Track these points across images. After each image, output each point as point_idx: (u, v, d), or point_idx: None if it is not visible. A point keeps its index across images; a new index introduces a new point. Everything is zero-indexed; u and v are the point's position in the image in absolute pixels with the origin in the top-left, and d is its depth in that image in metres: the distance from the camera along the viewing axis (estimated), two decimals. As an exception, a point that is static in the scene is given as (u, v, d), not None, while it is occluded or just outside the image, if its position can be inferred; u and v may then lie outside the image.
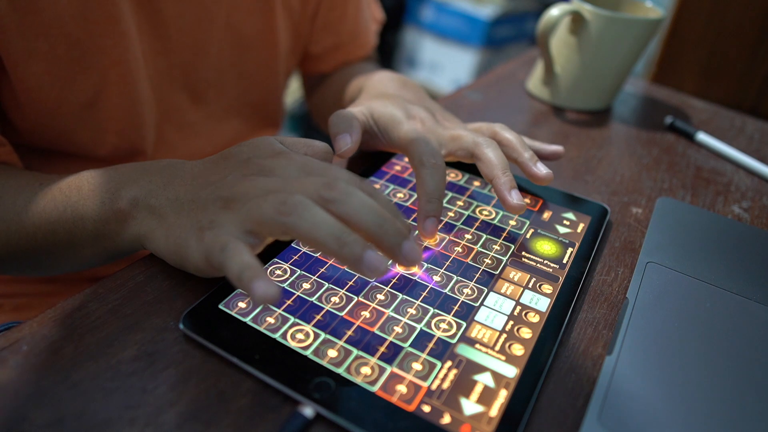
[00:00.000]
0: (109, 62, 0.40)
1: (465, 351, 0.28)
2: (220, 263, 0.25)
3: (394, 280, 0.32)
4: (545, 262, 0.35)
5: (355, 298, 0.30)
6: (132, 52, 0.41)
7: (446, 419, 0.25)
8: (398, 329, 0.29)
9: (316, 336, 0.28)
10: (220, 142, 0.54)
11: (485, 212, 0.39)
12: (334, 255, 0.25)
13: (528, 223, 0.39)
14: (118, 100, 0.42)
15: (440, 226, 0.37)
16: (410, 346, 0.28)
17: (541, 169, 0.37)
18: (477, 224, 0.38)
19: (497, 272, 0.34)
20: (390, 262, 0.31)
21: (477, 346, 0.29)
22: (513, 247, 0.36)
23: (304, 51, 0.60)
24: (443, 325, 0.30)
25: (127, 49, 0.41)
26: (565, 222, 0.39)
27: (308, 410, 0.24)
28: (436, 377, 0.27)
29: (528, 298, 0.32)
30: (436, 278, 0.33)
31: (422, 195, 0.34)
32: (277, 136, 0.34)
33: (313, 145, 0.34)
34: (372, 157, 0.45)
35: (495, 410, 0.25)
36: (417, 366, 0.27)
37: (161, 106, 0.47)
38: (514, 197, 0.35)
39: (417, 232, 0.35)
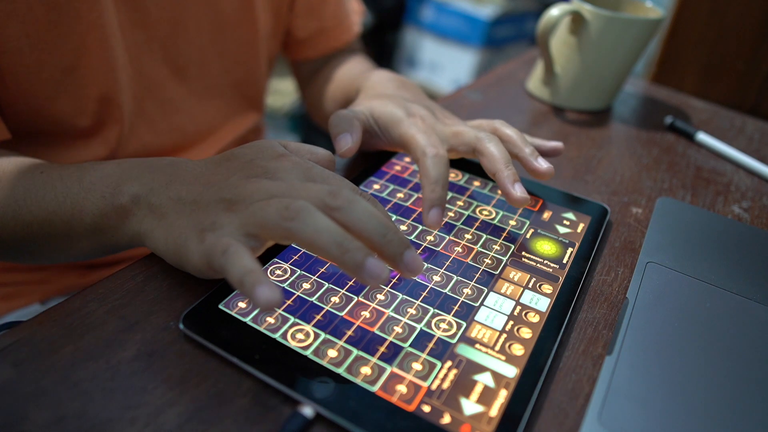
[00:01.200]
0: (87, 27, 0.40)
1: (465, 351, 0.28)
2: (221, 266, 0.25)
3: (394, 280, 0.32)
4: (545, 262, 0.35)
5: (355, 298, 0.30)
6: (107, 18, 0.41)
7: (446, 419, 0.25)
8: (398, 329, 0.29)
9: (316, 336, 0.28)
10: (201, 120, 0.55)
11: (485, 212, 0.39)
12: (335, 261, 0.25)
13: (528, 223, 0.39)
14: (97, 64, 0.42)
15: (445, 219, 0.37)
16: (410, 346, 0.28)
17: (542, 163, 0.37)
18: (477, 224, 0.38)
19: (497, 272, 0.34)
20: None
21: (477, 346, 0.29)
22: (513, 247, 0.36)
23: (287, 35, 0.61)
24: (443, 325, 0.29)
25: (102, 14, 0.41)
26: (565, 222, 0.39)
27: (308, 410, 0.24)
28: (436, 377, 0.27)
29: (528, 298, 0.32)
30: (436, 278, 0.33)
31: (426, 184, 0.35)
32: (281, 140, 0.34)
33: (317, 152, 0.34)
34: (372, 157, 0.45)
35: (495, 410, 0.25)
36: (417, 366, 0.27)
37: (141, 78, 0.47)
38: (518, 190, 0.35)
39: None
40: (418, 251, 0.35)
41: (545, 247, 0.36)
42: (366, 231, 0.26)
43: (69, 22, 0.39)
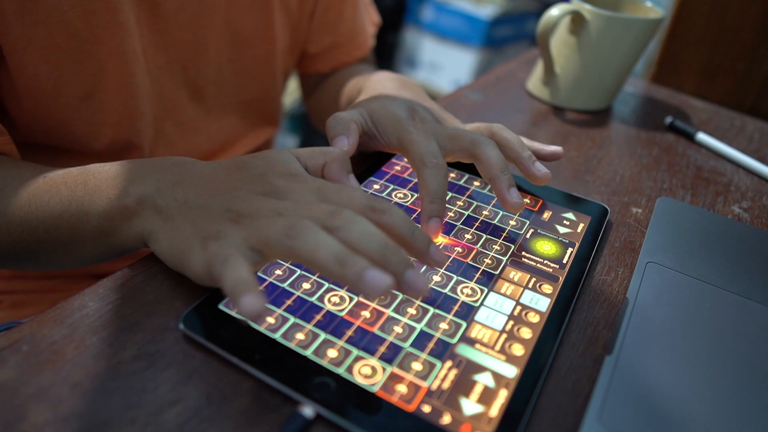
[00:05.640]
0: (107, 53, 0.40)
1: (465, 351, 0.28)
2: (219, 274, 0.25)
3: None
4: (545, 262, 0.35)
5: (355, 298, 0.30)
6: (130, 44, 0.41)
7: (446, 419, 0.25)
8: (398, 329, 0.29)
9: (316, 336, 0.28)
10: (218, 139, 0.55)
11: (485, 212, 0.39)
12: (335, 276, 0.24)
13: (528, 223, 0.38)
14: (115, 92, 0.42)
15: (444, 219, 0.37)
16: (410, 346, 0.28)
17: (540, 168, 0.37)
18: (477, 224, 0.38)
19: (497, 272, 0.34)
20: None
21: (477, 346, 0.29)
22: (513, 247, 0.36)
23: (302, 50, 0.61)
24: (443, 325, 0.29)
25: (125, 40, 0.41)
26: (565, 222, 0.39)
27: (308, 410, 0.24)
28: (436, 377, 0.27)
29: (528, 298, 0.32)
30: (436, 278, 0.33)
31: (425, 195, 0.34)
32: (292, 149, 0.33)
33: (331, 153, 0.33)
34: (372, 157, 0.45)
35: (495, 410, 0.25)
36: (417, 366, 0.27)
37: (160, 101, 0.47)
38: (513, 196, 0.35)
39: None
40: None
41: (545, 247, 0.36)
42: (365, 250, 0.25)
43: (89, 48, 0.39)
